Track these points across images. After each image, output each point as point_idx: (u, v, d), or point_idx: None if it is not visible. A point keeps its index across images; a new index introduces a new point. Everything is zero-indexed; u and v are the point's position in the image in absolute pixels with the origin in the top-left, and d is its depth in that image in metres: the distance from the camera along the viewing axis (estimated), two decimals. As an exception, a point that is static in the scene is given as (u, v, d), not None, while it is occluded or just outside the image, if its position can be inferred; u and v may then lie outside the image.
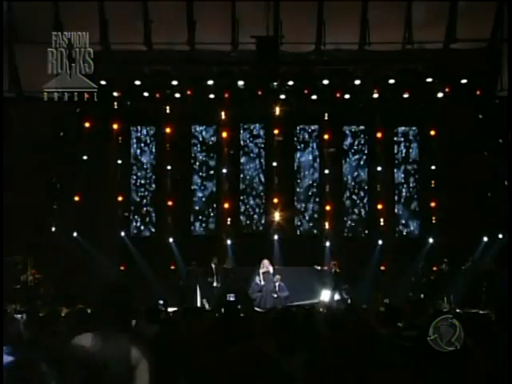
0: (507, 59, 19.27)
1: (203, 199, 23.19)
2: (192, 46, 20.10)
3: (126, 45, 19.85)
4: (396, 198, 23.18)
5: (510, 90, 19.62)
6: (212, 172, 23.21)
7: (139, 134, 23.21)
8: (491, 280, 19.45)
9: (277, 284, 20.28)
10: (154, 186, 23.16)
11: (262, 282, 20.34)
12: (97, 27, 19.30)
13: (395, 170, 23.19)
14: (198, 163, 23.24)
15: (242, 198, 23.22)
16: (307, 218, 23.25)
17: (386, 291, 20.24)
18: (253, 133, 23.35)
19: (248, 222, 23.28)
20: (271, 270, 20.65)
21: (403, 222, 23.20)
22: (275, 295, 20.02)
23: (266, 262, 20.76)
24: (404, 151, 23.26)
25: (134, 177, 23.19)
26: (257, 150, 23.36)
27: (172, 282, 21.24)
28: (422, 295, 19.98)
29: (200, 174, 23.21)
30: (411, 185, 23.28)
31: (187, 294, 20.59)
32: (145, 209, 23.15)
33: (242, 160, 23.29)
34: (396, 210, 23.16)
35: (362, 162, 23.24)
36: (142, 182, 23.18)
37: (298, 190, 23.26)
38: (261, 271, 20.55)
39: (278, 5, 19.50)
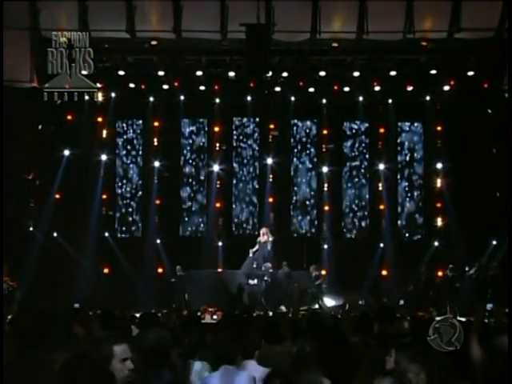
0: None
1: (193, 197, 23.08)
2: (179, 34, 19.89)
3: (107, 32, 19.59)
4: (399, 197, 23.08)
5: (510, 90, 19.52)
6: (202, 169, 23.12)
7: (124, 128, 23.15)
8: (496, 286, 19.17)
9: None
10: (140, 183, 23.10)
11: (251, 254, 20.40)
12: (76, 12, 18.94)
13: (398, 168, 23.08)
14: (187, 159, 23.15)
15: (234, 196, 23.14)
16: (304, 218, 23.14)
17: (385, 297, 20.02)
18: (246, 127, 23.29)
19: (240, 222, 23.17)
20: (270, 240, 20.58)
21: (406, 223, 23.11)
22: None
23: (264, 229, 20.78)
24: (407, 148, 23.16)
25: (119, 173, 23.11)
26: (250, 145, 23.28)
27: (160, 285, 21.09)
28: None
29: (189, 171, 23.13)
30: (415, 184, 23.14)
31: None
32: (130, 208, 23.09)
33: (235, 156, 23.20)
34: (399, 211, 23.07)
35: (362, 159, 23.15)
36: (128, 178, 23.13)
37: (294, 188, 23.19)
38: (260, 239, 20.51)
39: (270, -10, 19.28)
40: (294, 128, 23.22)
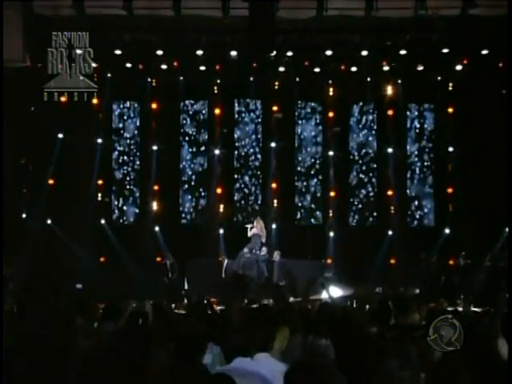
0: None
1: (193, 183, 22.95)
2: (178, 11, 19.70)
3: (103, 9, 19.41)
4: (408, 183, 22.95)
5: (510, 89, 19.34)
6: (203, 153, 22.99)
7: (121, 110, 23.01)
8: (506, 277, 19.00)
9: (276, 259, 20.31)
10: (138, 168, 22.99)
11: (246, 249, 20.29)
12: (69, -11, 18.92)
13: (407, 153, 22.94)
14: (187, 143, 23.01)
15: (236, 182, 23.03)
16: (308, 204, 23.02)
17: (394, 287, 19.86)
18: (248, 109, 23.16)
19: (243, 209, 23.02)
20: (263, 233, 20.49)
21: (416, 210, 22.95)
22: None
23: (256, 221, 20.70)
24: (417, 131, 23.01)
25: (116, 158, 22.95)
26: (253, 128, 23.15)
27: (159, 276, 20.96)
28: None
29: (190, 155, 23.00)
30: (425, 169, 23.03)
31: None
32: (128, 194, 22.97)
33: (237, 140, 23.07)
34: (408, 197, 22.91)
35: (369, 143, 23.01)
36: (125, 164, 22.97)
37: (298, 173, 23.07)
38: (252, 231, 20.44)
39: (273, -36, 19.04)
40: (299, 109, 23.07)
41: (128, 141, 22.98)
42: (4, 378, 3.86)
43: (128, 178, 22.98)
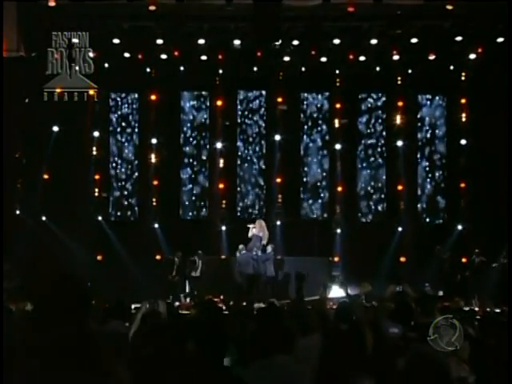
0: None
1: (194, 178, 22.84)
2: (179, -3, 19.48)
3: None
4: (419, 177, 22.83)
5: (510, 89, 19.10)
6: (204, 147, 22.91)
7: (119, 102, 22.91)
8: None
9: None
10: (136, 162, 22.89)
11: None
12: (65, -27, 18.66)
13: (418, 146, 22.83)
14: (187, 136, 22.89)
15: (238, 177, 22.93)
16: (315, 200, 22.88)
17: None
18: (252, 101, 23.03)
19: (246, 205, 22.94)
20: (263, 234, 20.18)
21: (426, 205, 22.83)
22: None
23: (258, 222, 20.39)
24: (428, 123, 22.86)
25: (114, 152, 22.85)
26: (256, 121, 22.99)
27: (158, 274, 20.73)
28: (441, 292, 19.41)
29: (190, 148, 22.88)
30: (437, 163, 22.89)
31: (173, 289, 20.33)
32: (126, 189, 22.89)
33: (239, 133, 22.93)
34: (419, 192, 22.82)
35: (379, 136, 22.88)
36: (123, 157, 22.88)
37: (304, 167, 22.90)
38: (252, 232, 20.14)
39: None
40: (305, 102, 23.04)
41: (125, 133, 22.88)
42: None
43: (126, 173, 22.90)
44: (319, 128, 22.94)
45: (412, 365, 4.27)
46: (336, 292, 19.87)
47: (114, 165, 22.84)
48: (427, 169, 22.88)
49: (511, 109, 19.35)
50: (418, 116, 22.81)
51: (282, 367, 5.42)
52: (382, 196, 22.86)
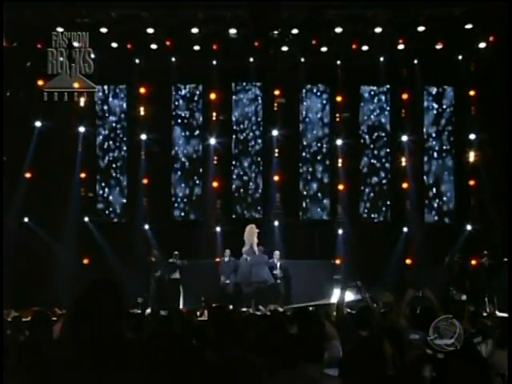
0: None
1: (187, 176, 22.60)
2: (171, -16, 19.53)
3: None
4: (425, 175, 22.64)
5: (510, 88, 18.96)
6: (197, 143, 22.66)
7: (106, 95, 22.73)
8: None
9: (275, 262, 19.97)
10: (125, 160, 22.69)
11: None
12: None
13: (425, 140, 22.64)
14: (179, 131, 22.67)
15: (234, 175, 22.74)
16: (315, 199, 22.61)
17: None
18: (248, 94, 22.91)
19: (242, 206, 22.70)
20: (253, 240, 19.94)
21: (433, 204, 22.64)
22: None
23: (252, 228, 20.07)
24: (436, 117, 22.68)
25: (101, 148, 22.62)
26: (253, 114, 22.82)
27: (149, 278, 20.56)
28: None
29: (183, 144, 22.67)
30: (444, 158, 22.72)
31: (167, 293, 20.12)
32: (114, 188, 22.67)
33: (235, 127, 22.75)
34: (425, 190, 22.58)
35: (382, 131, 22.67)
36: (111, 154, 22.69)
37: (303, 164, 22.69)
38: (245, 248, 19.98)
39: None
40: (304, 94, 22.75)
41: (113, 129, 22.70)
42: None
43: (114, 169, 22.71)
44: (319, 122, 22.68)
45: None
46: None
47: (101, 162, 22.60)
48: (434, 165, 22.69)
49: (511, 109, 19.16)
50: (425, 108, 22.65)
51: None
52: (387, 194, 22.66)
